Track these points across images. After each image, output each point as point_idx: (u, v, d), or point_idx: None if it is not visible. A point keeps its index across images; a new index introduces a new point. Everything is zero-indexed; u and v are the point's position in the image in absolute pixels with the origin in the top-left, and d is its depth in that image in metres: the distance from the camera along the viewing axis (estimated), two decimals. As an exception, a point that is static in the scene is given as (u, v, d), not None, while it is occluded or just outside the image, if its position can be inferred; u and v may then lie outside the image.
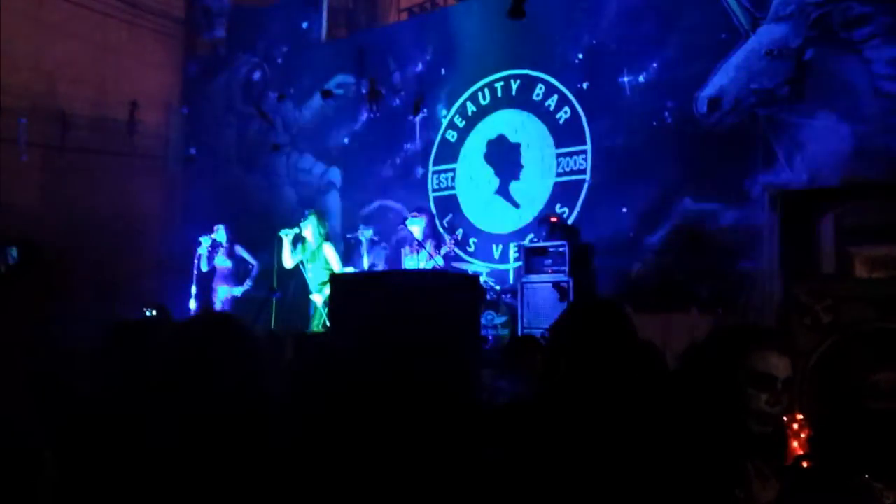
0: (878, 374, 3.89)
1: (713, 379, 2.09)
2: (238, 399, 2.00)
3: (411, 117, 8.84)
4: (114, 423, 2.21)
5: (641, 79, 7.34)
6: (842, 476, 2.41)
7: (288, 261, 7.54)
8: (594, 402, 2.23)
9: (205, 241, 8.33)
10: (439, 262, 7.16)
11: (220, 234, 8.41)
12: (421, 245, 7.23)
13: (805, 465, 2.68)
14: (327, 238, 7.64)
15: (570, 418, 2.23)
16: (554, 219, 7.31)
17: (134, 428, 2.06)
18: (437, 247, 7.31)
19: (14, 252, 7.68)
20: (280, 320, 7.56)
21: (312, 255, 7.51)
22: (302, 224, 7.49)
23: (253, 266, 8.46)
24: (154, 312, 6.62)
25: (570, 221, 7.53)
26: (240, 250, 8.49)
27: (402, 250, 7.61)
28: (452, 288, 5.04)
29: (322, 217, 7.71)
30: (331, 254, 7.53)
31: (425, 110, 8.79)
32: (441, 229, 8.23)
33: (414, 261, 7.32)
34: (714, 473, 2.01)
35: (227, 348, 2.04)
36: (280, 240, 7.51)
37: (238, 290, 8.35)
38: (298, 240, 7.53)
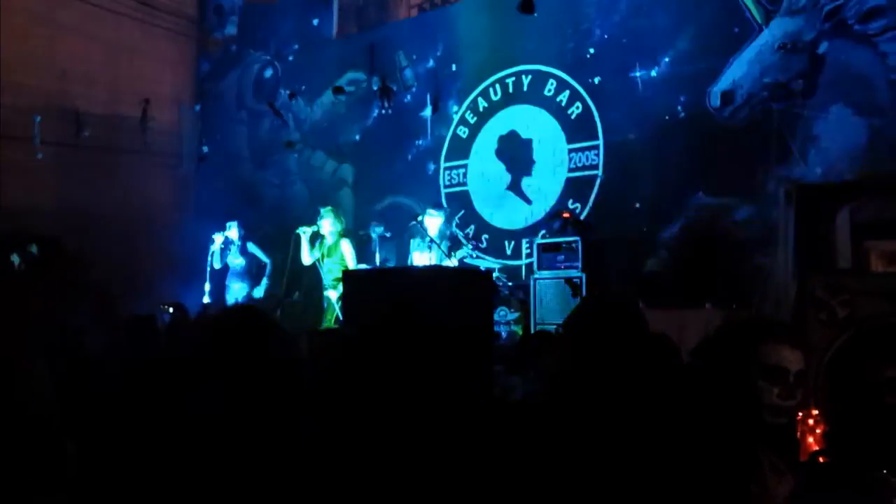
0: (894, 369, 3.86)
1: (725, 372, 2.07)
2: (275, 389, 2.02)
3: (425, 114, 8.83)
4: (141, 413, 2.23)
5: (654, 73, 7.31)
6: (859, 471, 2.40)
7: (307, 258, 7.57)
8: (606, 397, 2.23)
9: (217, 238, 8.38)
10: (455, 256, 7.17)
11: (233, 231, 8.45)
12: (434, 241, 7.23)
13: (821, 460, 2.67)
14: (344, 234, 7.66)
15: (582, 413, 2.22)
16: (566, 214, 7.30)
17: (161, 420, 2.08)
18: (451, 248, 7.30)
19: (34, 248, 7.76)
20: (295, 317, 7.60)
21: (329, 251, 7.53)
22: (319, 221, 7.53)
23: (266, 264, 8.50)
24: (171, 310, 6.67)
25: (582, 217, 7.51)
26: (252, 248, 8.52)
27: (413, 245, 7.60)
28: (465, 283, 5.05)
29: (338, 213, 7.72)
30: (347, 250, 7.54)
31: (439, 106, 8.78)
32: (454, 227, 8.22)
33: (425, 257, 7.32)
34: (729, 467, 2.00)
35: (261, 338, 2.05)
36: (298, 237, 7.53)
37: (258, 291, 8.39)
38: (316, 237, 7.56)
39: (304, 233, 7.51)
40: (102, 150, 9.82)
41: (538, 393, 3.46)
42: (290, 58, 10.58)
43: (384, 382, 3.14)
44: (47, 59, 9.44)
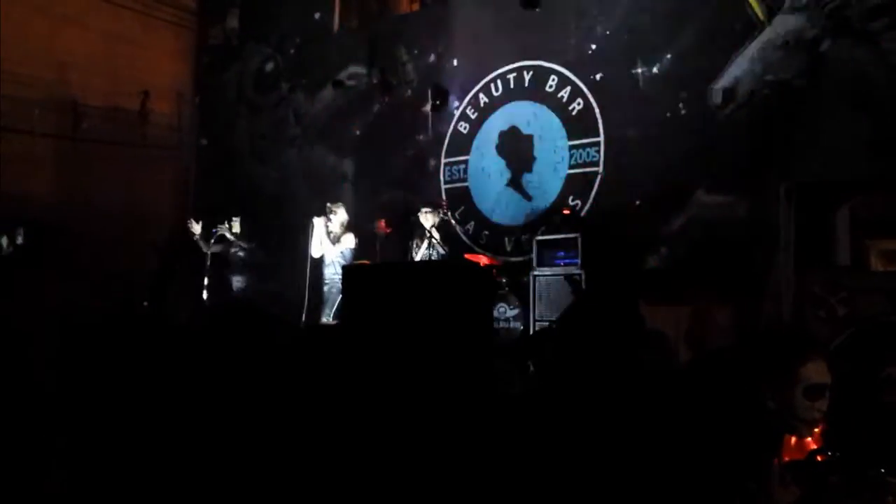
0: (894, 367, 3.86)
1: (758, 383, 2.10)
2: (264, 381, 2.02)
3: (426, 109, 8.80)
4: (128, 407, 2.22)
5: (655, 70, 7.29)
6: (857, 470, 2.40)
7: (317, 250, 7.61)
8: (595, 393, 2.23)
9: (217, 229, 8.40)
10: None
11: (236, 225, 8.47)
12: (432, 237, 7.25)
13: (819, 459, 2.67)
14: (349, 228, 7.72)
15: (570, 408, 2.23)
16: (566, 211, 7.29)
17: (149, 412, 2.08)
18: (448, 239, 7.35)
19: (21, 234, 7.76)
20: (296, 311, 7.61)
21: (334, 246, 7.59)
22: (332, 216, 7.57)
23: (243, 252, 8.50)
24: (146, 304, 6.72)
25: (582, 214, 7.50)
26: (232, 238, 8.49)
27: (412, 243, 7.61)
28: (464, 279, 5.03)
29: (344, 209, 7.81)
30: (351, 244, 7.62)
31: (437, 102, 8.76)
32: (453, 221, 8.21)
33: (423, 253, 7.35)
34: (723, 464, 2.01)
35: (253, 333, 2.06)
36: (311, 228, 7.59)
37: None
38: (326, 230, 7.61)
39: (317, 224, 7.57)
40: (101, 143, 9.81)
41: (535, 388, 3.46)
42: (292, 51, 10.55)
43: (382, 378, 3.13)
44: (47, 50, 9.41)
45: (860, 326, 4.05)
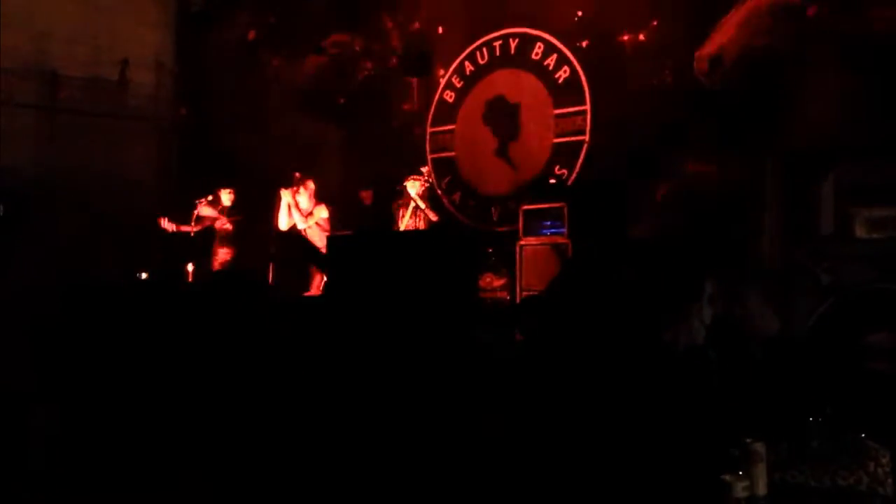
0: (877, 335, 3.89)
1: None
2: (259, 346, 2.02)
3: (411, 78, 8.74)
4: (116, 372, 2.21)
5: (641, 37, 7.24)
6: (839, 435, 2.42)
7: (284, 222, 7.53)
8: (575, 358, 2.24)
9: (201, 205, 8.31)
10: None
11: (226, 196, 8.40)
12: (418, 206, 7.22)
13: (804, 424, 2.69)
14: (319, 198, 7.64)
15: (551, 372, 2.24)
16: (553, 180, 7.27)
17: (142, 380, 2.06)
18: (434, 207, 7.33)
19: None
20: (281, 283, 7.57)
21: (309, 218, 7.51)
22: (301, 187, 7.49)
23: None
24: (145, 276, 6.65)
25: (569, 183, 7.48)
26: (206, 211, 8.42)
27: (399, 212, 7.58)
28: (449, 247, 5.02)
29: (313, 180, 7.71)
30: (326, 216, 7.54)
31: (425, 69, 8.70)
32: (439, 191, 8.18)
33: (408, 221, 7.33)
34: (700, 456, 2.03)
35: (249, 299, 2.06)
36: (278, 200, 7.51)
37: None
38: (293, 203, 7.52)
39: (284, 196, 7.49)
40: (81, 113, 9.68)
41: (518, 353, 3.47)
42: (273, 19, 10.38)
43: (368, 346, 3.13)
44: (25, 19, 9.24)
45: (844, 295, 4.08)
